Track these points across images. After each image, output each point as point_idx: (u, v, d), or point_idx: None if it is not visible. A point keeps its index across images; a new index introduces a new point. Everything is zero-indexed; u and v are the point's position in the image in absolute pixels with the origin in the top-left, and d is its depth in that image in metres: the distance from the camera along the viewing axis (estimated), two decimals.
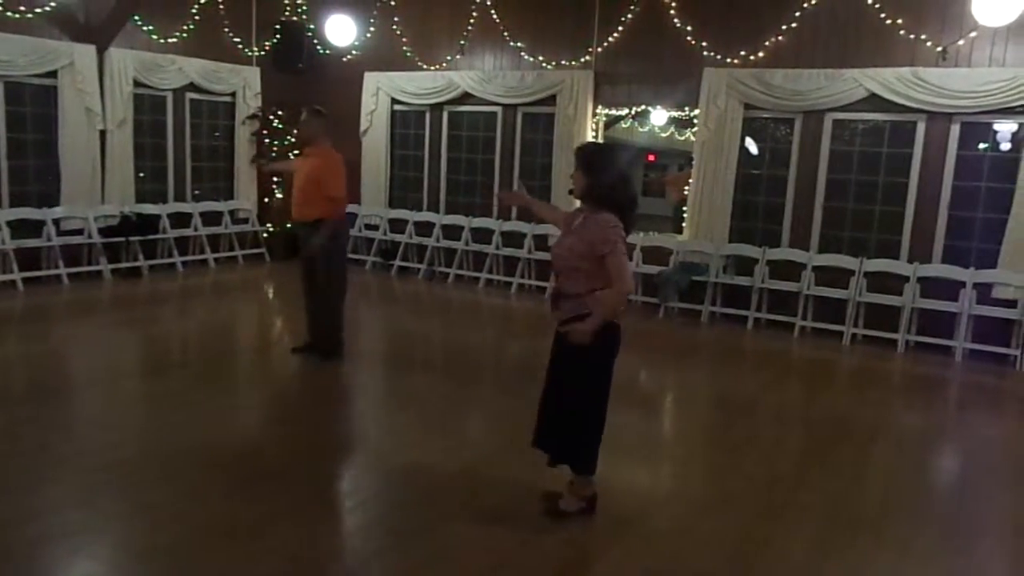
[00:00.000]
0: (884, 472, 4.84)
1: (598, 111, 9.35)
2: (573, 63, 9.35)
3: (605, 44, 9.12)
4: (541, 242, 9.68)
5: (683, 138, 12.72)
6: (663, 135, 12.75)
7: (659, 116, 10.30)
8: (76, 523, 3.56)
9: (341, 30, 9.96)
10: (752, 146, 8.67)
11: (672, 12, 8.65)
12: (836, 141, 8.18)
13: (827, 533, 3.86)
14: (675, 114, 9.12)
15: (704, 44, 8.53)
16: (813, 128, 8.23)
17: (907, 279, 7.70)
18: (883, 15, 7.63)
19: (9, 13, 8.20)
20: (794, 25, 8.06)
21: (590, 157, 3.63)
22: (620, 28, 8.99)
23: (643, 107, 9.17)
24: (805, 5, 7.97)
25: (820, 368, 7.32)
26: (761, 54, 8.27)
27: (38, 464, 4.17)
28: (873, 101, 7.78)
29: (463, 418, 5.42)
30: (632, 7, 8.88)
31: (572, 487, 3.85)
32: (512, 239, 9.85)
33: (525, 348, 7.43)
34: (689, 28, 8.59)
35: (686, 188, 8.94)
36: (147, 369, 6.27)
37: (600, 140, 9.44)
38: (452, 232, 10.28)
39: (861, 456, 5.01)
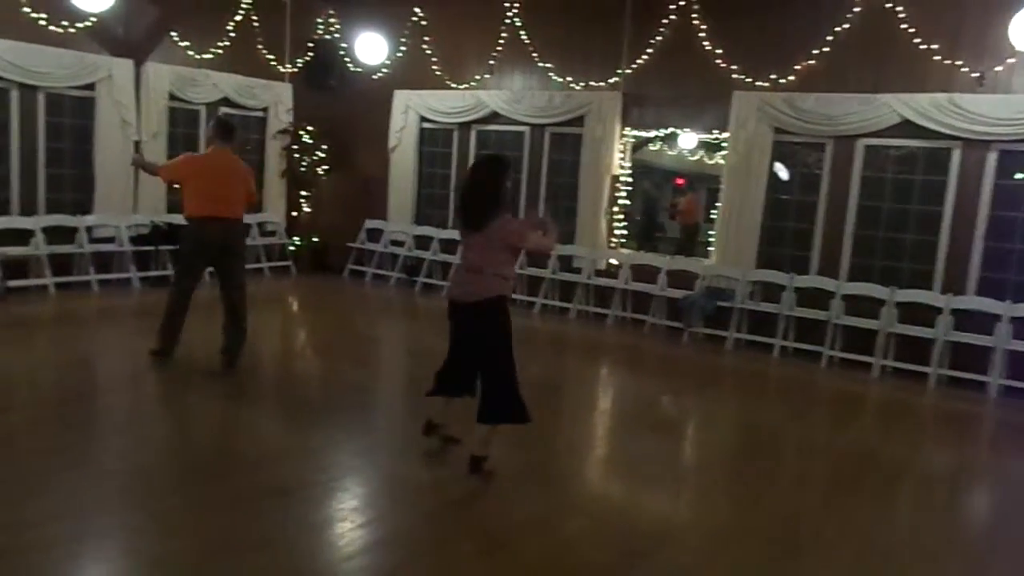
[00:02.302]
0: (912, 510, 4.68)
1: (626, 132, 9.31)
2: (602, 84, 9.33)
3: (634, 66, 9.09)
4: (566, 263, 9.63)
5: (712, 162, 12.61)
6: (692, 158, 12.64)
7: (688, 139, 10.24)
8: (88, 529, 3.55)
9: (372, 48, 10.06)
10: (782, 171, 8.55)
11: (702, 35, 8.61)
12: (868, 167, 8.04)
13: (852, 572, 3.72)
14: (705, 137, 9.04)
15: (734, 67, 8.46)
16: (844, 154, 8.10)
17: (940, 311, 7.50)
18: (918, 40, 7.51)
19: (52, 27, 8.40)
20: (826, 49, 7.97)
21: None
22: (649, 50, 8.96)
23: (671, 130, 9.10)
24: (837, 29, 7.88)
25: (848, 400, 7.14)
26: (792, 78, 8.18)
27: (56, 466, 4.18)
28: (907, 127, 7.64)
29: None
30: (662, 29, 8.85)
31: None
32: (537, 260, 9.79)
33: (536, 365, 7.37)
34: (719, 51, 8.53)
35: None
36: (168, 376, 6.30)
37: (627, 163, 9.40)
38: None
39: (889, 493, 4.85)
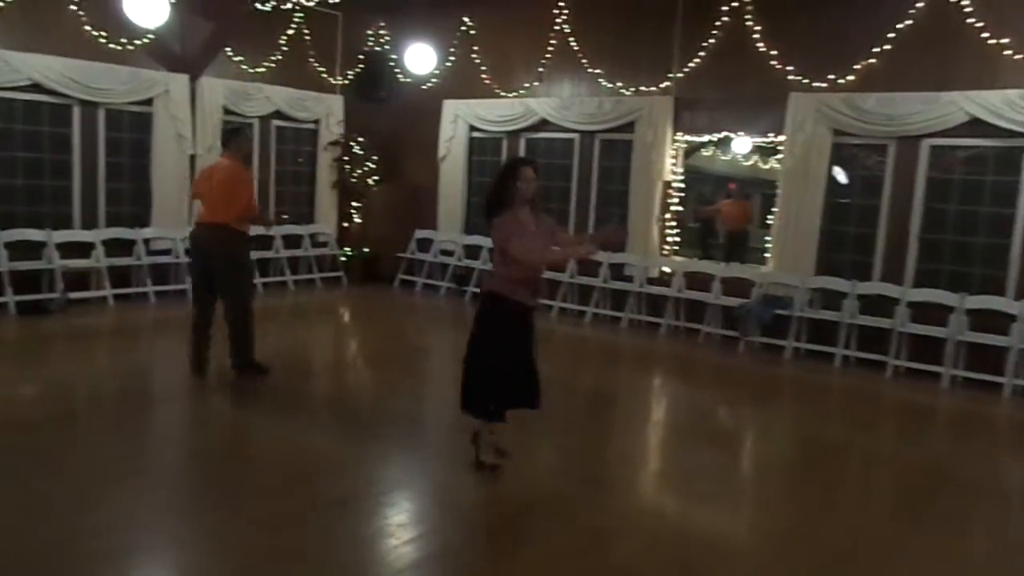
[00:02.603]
0: (989, 529, 4.40)
1: (678, 138, 9.13)
2: (652, 89, 9.17)
3: (686, 69, 8.91)
4: (618, 271, 9.47)
5: (767, 166, 12.30)
6: (746, 163, 12.36)
7: (741, 144, 9.99)
8: (140, 541, 3.55)
9: (421, 58, 10.07)
10: (841, 175, 8.26)
11: (756, 36, 8.39)
12: (934, 168, 7.70)
13: None
14: (759, 141, 8.80)
15: (790, 68, 8.21)
16: (908, 155, 7.77)
17: (1014, 318, 7.12)
18: (986, 35, 7.17)
19: (112, 44, 8.63)
20: (887, 47, 7.67)
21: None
22: (701, 53, 8.77)
23: (725, 134, 8.89)
24: (899, 26, 7.58)
25: (916, 412, 6.83)
26: (851, 77, 7.90)
27: (113, 476, 4.22)
28: (976, 126, 7.29)
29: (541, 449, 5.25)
30: (714, 31, 8.66)
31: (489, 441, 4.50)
32: (588, 268, 9.66)
33: (578, 375, 7.23)
34: (774, 52, 8.30)
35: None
36: (221, 388, 6.34)
37: (679, 169, 9.22)
38: None
39: (962, 511, 4.57)
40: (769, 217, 8.66)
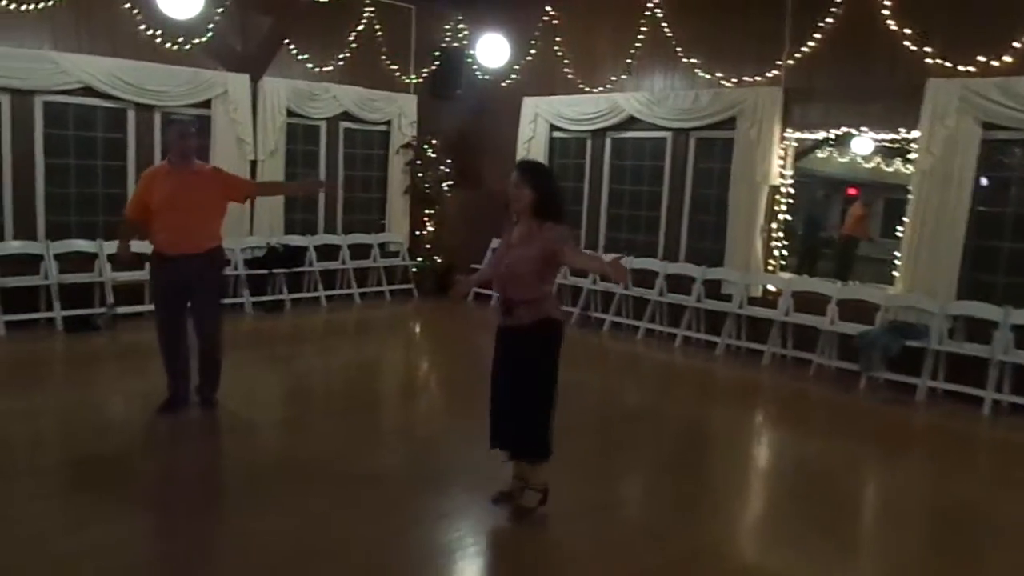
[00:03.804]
0: None
1: (787, 135, 7.85)
2: (757, 79, 7.93)
3: (798, 55, 7.63)
4: (713, 288, 8.28)
5: (891, 169, 10.77)
6: (867, 165, 10.88)
7: (861, 144, 8.60)
8: None
9: (494, 51, 9.17)
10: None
11: (886, 12, 7.03)
12: None
13: None
14: (886, 137, 7.41)
15: (928, 50, 6.83)
16: None
17: None
18: None
19: (168, 44, 8.17)
20: None
21: (534, 171, 3.96)
22: (817, 35, 7.47)
23: (844, 130, 7.54)
24: None
25: None
26: (1008, 58, 6.44)
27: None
28: None
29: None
30: (833, 9, 7.35)
31: (528, 480, 4.01)
32: (679, 284, 8.52)
33: (680, 410, 6.11)
34: (908, 31, 6.92)
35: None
36: (279, 412, 5.64)
37: (788, 171, 7.94)
38: None
39: None
40: (898, 228, 7.26)
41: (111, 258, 7.62)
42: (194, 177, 5.12)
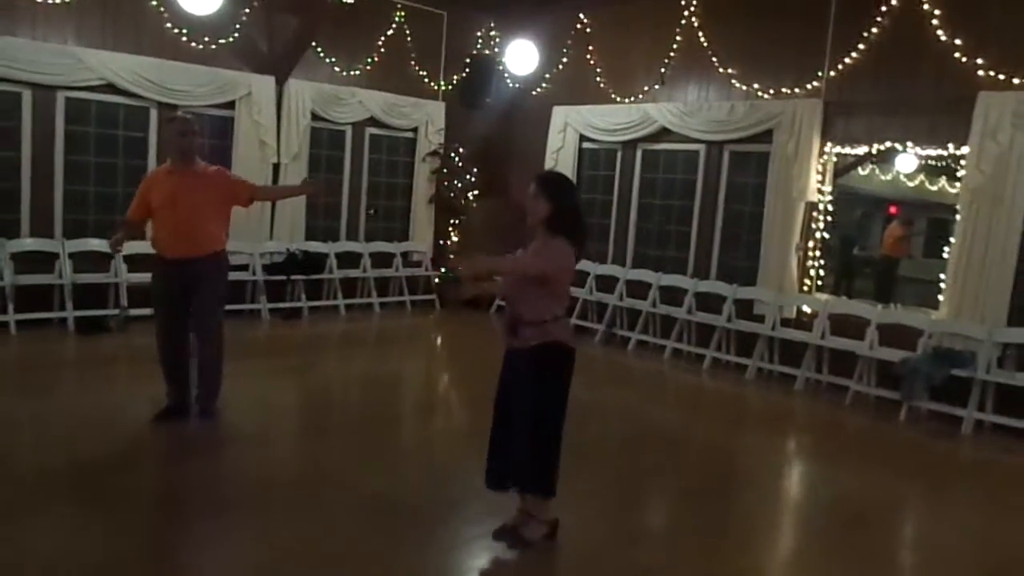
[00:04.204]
0: None
1: (827, 150, 7.49)
2: (796, 90, 7.60)
3: (840, 66, 7.29)
4: (745, 308, 7.91)
5: (935, 187, 10.35)
6: (910, 184, 10.47)
7: (905, 161, 8.21)
8: None
9: (523, 57, 8.93)
10: None
11: (935, 23, 6.67)
12: None
13: None
14: (932, 153, 7.02)
15: (980, 61, 6.45)
16: None
17: None
18: None
19: (193, 44, 8.07)
20: None
21: (553, 184, 3.68)
22: (861, 45, 7.13)
23: (887, 145, 7.16)
24: None
25: None
26: None
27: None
28: None
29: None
30: (878, 19, 7.01)
31: (533, 514, 3.71)
32: (709, 303, 8.16)
33: (711, 439, 5.76)
34: (958, 41, 6.56)
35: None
36: (281, 427, 5.41)
37: (827, 187, 7.57)
38: (638, 289, 8.78)
39: None
40: (943, 249, 6.86)
41: (127, 259, 7.50)
42: (195, 178, 4.91)
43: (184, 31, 7.96)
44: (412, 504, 4.20)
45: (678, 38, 8.49)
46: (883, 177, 9.10)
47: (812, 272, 7.68)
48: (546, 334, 3.57)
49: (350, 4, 8.40)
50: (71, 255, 7.55)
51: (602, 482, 4.74)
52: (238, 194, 5.14)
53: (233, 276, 8.35)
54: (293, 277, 8.86)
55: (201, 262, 4.88)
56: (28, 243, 7.43)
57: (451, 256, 10.02)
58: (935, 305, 6.89)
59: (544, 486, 3.68)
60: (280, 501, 4.12)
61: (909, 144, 7.05)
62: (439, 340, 9.38)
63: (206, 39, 8.12)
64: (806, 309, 7.60)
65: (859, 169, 8.23)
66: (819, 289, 7.75)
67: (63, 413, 5.40)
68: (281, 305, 8.81)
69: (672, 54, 8.56)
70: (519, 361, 3.67)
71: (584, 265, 9.21)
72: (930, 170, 8.32)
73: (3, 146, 7.29)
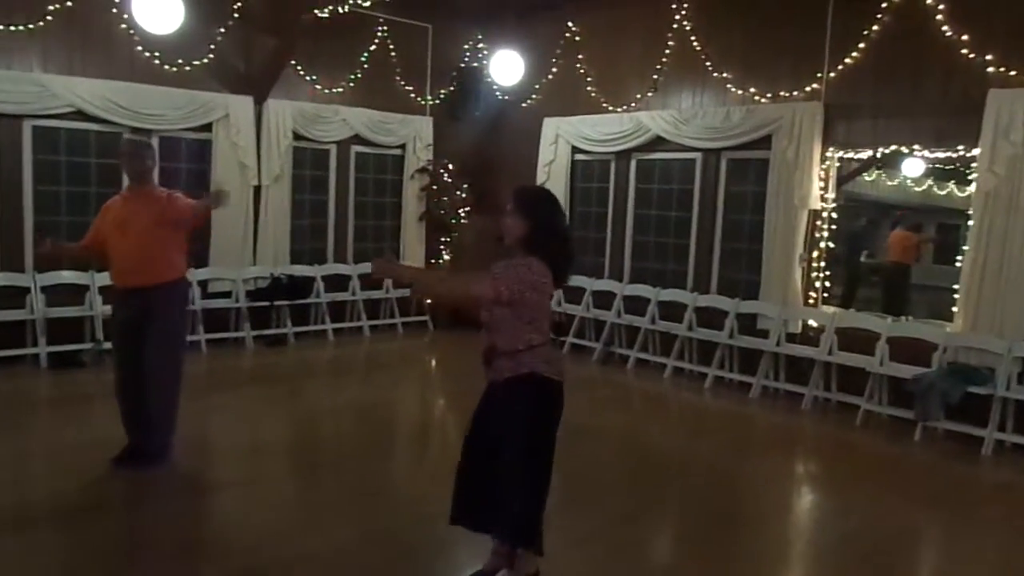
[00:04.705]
0: None
1: (829, 154, 7.12)
2: (795, 93, 7.24)
3: (840, 67, 6.92)
4: (748, 323, 7.54)
5: (944, 192, 9.98)
6: (917, 189, 10.10)
7: (913, 164, 7.85)
8: None
9: (508, 67, 8.59)
10: None
11: (940, 18, 6.31)
12: None
13: None
14: (940, 155, 6.65)
15: (989, 57, 6.08)
16: None
17: None
18: None
19: (167, 67, 7.80)
20: None
21: (530, 199, 3.37)
22: (862, 44, 6.77)
23: (893, 148, 6.78)
24: None
25: None
26: None
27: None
28: None
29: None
30: (879, 15, 6.65)
31: (510, 564, 3.38)
32: (710, 318, 7.78)
33: (716, 462, 5.37)
34: (966, 37, 6.18)
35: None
36: (242, 469, 5.07)
37: (831, 194, 7.19)
38: (636, 305, 8.41)
39: None
40: (955, 258, 6.47)
41: (102, 290, 7.22)
42: (142, 203, 4.62)
43: (156, 53, 7.68)
44: (402, 542, 3.92)
45: (670, 43, 8.15)
46: (889, 182, 8.73)
47: (817, 284, 7.30)
48: (519, 365, 3.22)
49: (330, 20, 8.12)
50: (43, 288, 7.26)
51: (595, 521, 4.37)
52: (170, 218, 4.64)
53: (215, 304, 8.22)
54: (277, 303, 8.55)
55: (153, 292, 4.58)
56: None
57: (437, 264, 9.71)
58: (948, 316, 6.49)
59: (524, 539, 3.32)
60: (258, 545, 3.78)
61: (916, 147, 6.67)
62: (432, 363, 9.04)
63: (179, 61, 7.85)
64: (812, 323, 7.21)
65: (864, 176, 7.86)
66: (825, 301, 7.37)
67: (22, 454, 5.11)
68: (265, 332, 8.49)
69: (664, 60, 8.22)
70: (492, 396, 3.35)
71: (580, 281, 8.89)
72: (938, 174, 7.97)
73: None
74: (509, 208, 3.30)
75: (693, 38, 7.96)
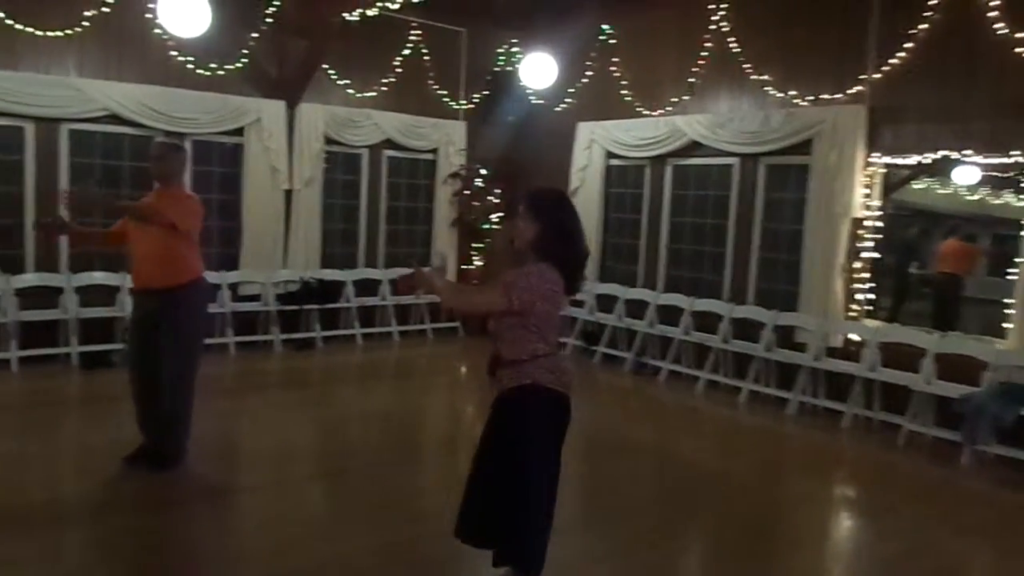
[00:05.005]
0: None
1: (872, 160, 6.79)
2: (838, 96, 6.93)
3: (885, 68, 6.60)
4: (786, 336, 7.23)
5: (999, 201, 9.44)
6: (971, 197, 9.57)
7: (964, 173, 7.44)
8: None
9: (539, 70, 8.43)
10: None
11: (992, 15, 5.95)
12: None
13: None
14: (993, 161, 6.28)
15: None
16: None
17: None
18: None
19: (200, 71, 7.85)
20: None
21: (541, 201, 3.20)
22: (908, 44, 6.44)
23: (942, 153, 6.42)
24: None
25: None
26: None
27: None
28: None
29: None
30: (927, 14, 6.31)
31: None
32: (746, 330, 7.50)
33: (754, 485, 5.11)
34: (1020, 35, 5.82)
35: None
36: (258, 474, 5.00)
37: (876, 202, 6.86)
38: (670, 315, 8.16)
39: None
40: (1010, 271, 6.09)
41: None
42: (163, 204, 4.59)
43: (190, 58, 7.74)
44: (423, 555, 3.84)
45: (707, 45, 7.91)
46: (940, 191, 8.30)
47: (860, 296, 6.96)
48: (522, 375, 3.06)
49: (362, 25, 8.07)
50: (76, 289, 7.35)
51: (621, 539, 4.18)
52: (164, 218, 4.54)
53: (244, 307, 8.23)
54: (306, 307, 8.52)
55: (166, 294, 4.54)
56: (32, 278, 7.25)
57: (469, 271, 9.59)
58: (1000, 332, 6.11)
59: (522, 563, 3.15)
60: (277, 551, 3.69)
61: (967, 152, 6.30)
62: (463, 370, 8.90)
63: (212, 65, 7.89)
64: (853, 337, 6.88)
65: (912, 184, 7.48)
66: (871, 314, 7.02)
67: (42, 454, 5.14)
68: (294, 336, 8.47)
69: (701, 62, 7.97)
70: (496, 409, 3.19)
71: (613, 290, 8.69)
72: (994, 183, 7.54)
73: (6, 181, 7.16)
74: (520, 210, 3.18)
75: (731, 39, 7.70)
